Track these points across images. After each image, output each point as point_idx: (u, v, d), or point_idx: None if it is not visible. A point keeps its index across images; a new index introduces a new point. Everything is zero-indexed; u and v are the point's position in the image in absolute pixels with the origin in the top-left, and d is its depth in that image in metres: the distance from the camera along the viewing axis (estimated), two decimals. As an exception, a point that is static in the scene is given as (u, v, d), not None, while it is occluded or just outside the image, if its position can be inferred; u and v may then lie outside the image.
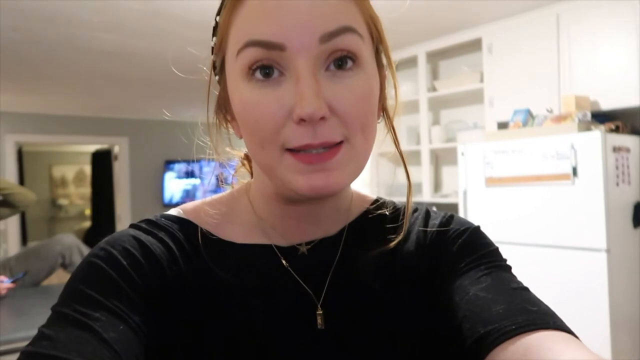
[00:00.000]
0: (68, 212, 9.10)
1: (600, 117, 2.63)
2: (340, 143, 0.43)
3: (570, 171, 2.33)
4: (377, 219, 0.55)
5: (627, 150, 2.43)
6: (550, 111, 2.76)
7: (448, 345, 0.49)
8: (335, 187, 0.43)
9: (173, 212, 0.54)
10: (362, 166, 0.46)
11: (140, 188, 6.93)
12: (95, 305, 0.41)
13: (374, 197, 0.59)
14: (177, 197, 7.21)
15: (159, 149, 7.10)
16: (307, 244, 0.52)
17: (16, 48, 3.40)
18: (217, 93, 0.53)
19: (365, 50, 0.44)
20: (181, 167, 7.20)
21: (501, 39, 3.10)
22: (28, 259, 2.80)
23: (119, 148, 6.81)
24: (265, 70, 0.43)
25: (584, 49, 2.73)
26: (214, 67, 0.52)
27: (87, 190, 8.78)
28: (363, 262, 0.52)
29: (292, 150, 0.43)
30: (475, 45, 3.29)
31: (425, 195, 3.50)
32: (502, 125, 3.02)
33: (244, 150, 0.59)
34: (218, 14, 0.49)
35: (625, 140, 2.44)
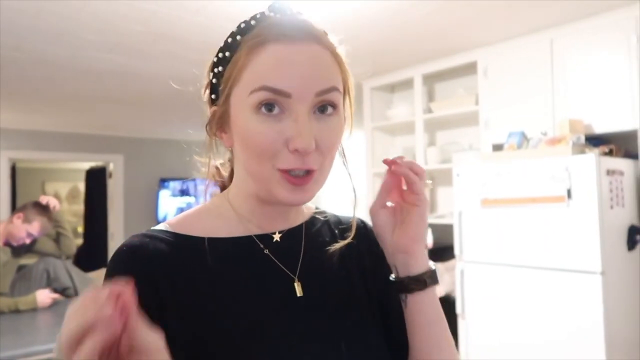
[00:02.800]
0: (60, 229, 9.00)
1: (594, 141, 2.65)
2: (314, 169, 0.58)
3: (564, 193, 2.33)
4: (322, 218, 0.75)
5: (621, 173, 2.44)
6: (545, 134, 2.78)
7: (383, 298, 0.70)
8: (306, 201, 0.61)
9: (160, 226, 0.65)
10: (323, 184, 0.62)
11: (134, 206, 6.89)
12: None
13: (314, 206, 0.77)
14: (171, 216, 7.16)
15: (154, 167, 7.08)
16: (280, 232, 0.67)
17: (17, 67, 3.41)
18: (211, 109, 0.64)
19: (341, 100, 0.60)
20: (176, 185, 7.18)
21: (496, 62, 3.14)
22: (13, 286, 2.78)
23: (114, 165, 6.79)
24: (270, 107, 0.56)
25: (577, 73, 2.76)
26: (214, 89, 0.64)
27: (80, 207, 8.71)
28: (320, 246, 0.69)
29: (280, 169, 0.57)
30: (471, 68, 3.33)
31: (421, 216, 3.49)
32: (497, 147, 3.03)
33: (217, 162, 0.73)
34: (228, 49, 0.61)
35: (619, 163, 2.46)
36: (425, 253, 0.66)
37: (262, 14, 0.61)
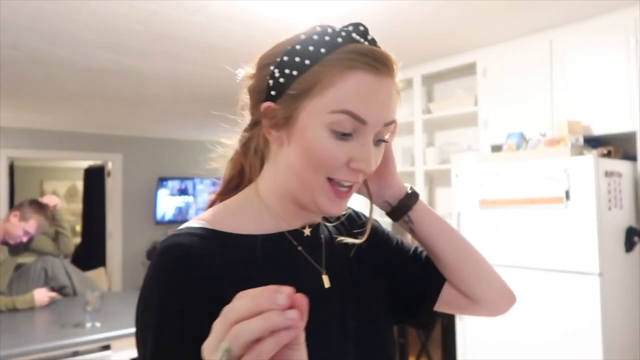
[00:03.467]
0: (59, 228, 8.98)
1: (593, 142, 2.66)
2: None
3: (563, 195, 2.34)
4: (335, 218, 0.79)
5: (619, 175, 2.45)
6: (544, 135, 2.78)
7: (401, 285, 0.79)
8: (341, 212, 0.67)
9: (196, 223, 0.65)
10: None
11: (132, 205, 6.89)
12: None
13: None
14: (169, 215, 7.16)
15: (153, 166, 7.08)
16: (310, 226, 0.71)
17: (15, 66, 3.40)
18: (267, 104, 0.63)
19: (393, 131, 0.68)
20: (174, 184, 7.18)
21: (496, 63, 3.14)
22: (11, 285, 2.77)
23: (112, 164, 6.78)
24: (344, 129, 0.60)
25: (577, 75, 2.77)
26: (278, 87, 0.62)
27: (78, 206, 8.70)
28: (337, 237, 0.74)
29: (330, 179, 0.63)
30: (470, 69, 3.33)
31: (419, 217, 3.49)
32: (496, 148, 3.04)
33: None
34: (307, 57, 0.60)
35: (618, 165, 2.46)
36: (401, 182, 0.77)
37: (349, 34, 0.62)
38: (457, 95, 3.44)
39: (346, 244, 0.74)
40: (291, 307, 0.41)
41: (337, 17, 2.67)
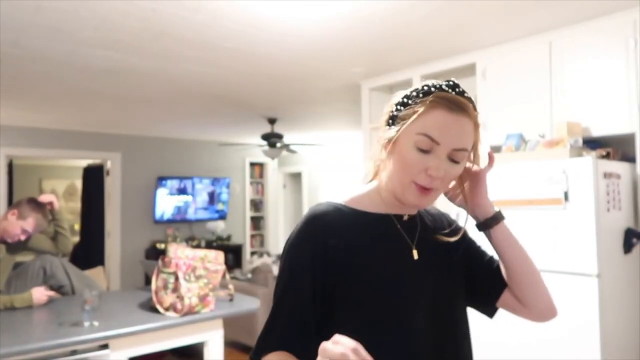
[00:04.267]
0: (57, 226, 8.97)
1: (592, 144, 2.66)
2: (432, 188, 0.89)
3: (562, 196, 2.34)
4: (425, 212, 1.05)
5: (618, 176, 2.45)
6: (543, 136, 2.78)
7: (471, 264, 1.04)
8: (425, 206, 0.94)
9: (339, 200, 0.97)
10: (437, 198, 0.92)
11: (131, 204, 6.88)
12: None
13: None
14: (168, 214, 7.16)
15: (152, 165, 7.08)
16: (408, 215, 0.98)
17: (14, 64, 3.40)
18: (387, 130, 0.93)
19: (465, 157, 0.90)
20: (173, 183, 7.17)
21: (495, 64, 3.15)
22: (9, 284, 2.77)
23: (111, 163, 6.77)
24: (424, 147, 0.86)
25: (576, 76, 2.77)
26: (394, 119, 0.92)
27: (77, 205, 8.69)
28: (428, 227, 1.00)
29: (415, 183, 0.88)
30: (469, 70, 3.33)
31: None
32: (495, 149, 3.03)
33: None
34: (409, 99, 0.90)
35: (616, 166, 2.47)
36: (491, 204, 0.99)
37: (440, 85, 0.89)
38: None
39: (436, 234, 1.00)
40: None
41: (337, 17, 2.67)
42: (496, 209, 0.99)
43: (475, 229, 1.02)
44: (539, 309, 1.02)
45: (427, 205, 0.92)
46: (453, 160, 0.88)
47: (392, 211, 0.96)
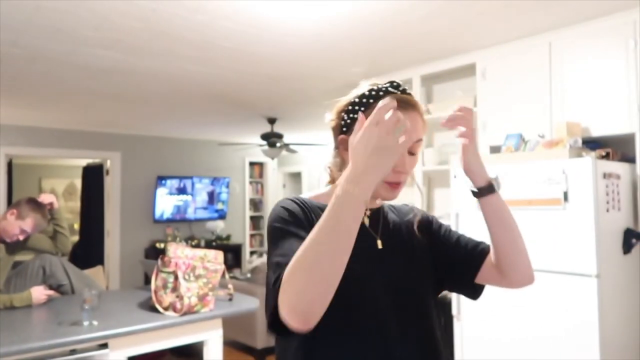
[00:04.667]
0: (57, 225, 8.96)
1: (591, 144, 2.66)
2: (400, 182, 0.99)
3: (561, 196, 2.34)
4: (389, 206, 1.14)
5: (617, 177, 2.45)
6: (542, 136, 2.79)
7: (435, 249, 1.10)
8: (394, 198, 1.01)
9: (304, 196, 1.04)
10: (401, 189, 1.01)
11: (130, 203, 6.88)
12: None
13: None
14: (167, 214, 7.15)
15: (151, 165, 7.07)
16: (370, 209, 1.06)
17: (14, 63, 3.39)
18: (344, 137, 0.98)
19: (421, 146, 1.00)
20: (173, 182, 7.17)
21: (495, 64, 3.15)
22: (9, 283, 2.77)
23: (111, 163, 6.77)
24: None
25: (575, 76, 2.77)
26: (348, 127, 0.98)
27: (76, 204, 8.69)
28: (391, 219, 1.09)
29: (385, 181, 0.95)
30: (469, 70, 3.33)
31: (417, 217, 3.50)
32: (495, 150, 3.04)
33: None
34: (358, 105, 0.98)
35: (616, 167, 2.47)
36: (484, 173, 1.04)
37: (387, 88, 0.97)
38: (456, 96, 3.45)
39: (401, 225, 1.09)
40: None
41: (337, 17, 2.67)
42: (490, 179, 1.05)
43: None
44: (519, 277, 1.07)
45: (396, 197, 1.00)
46: (411, 153, 0.98)
47: None
